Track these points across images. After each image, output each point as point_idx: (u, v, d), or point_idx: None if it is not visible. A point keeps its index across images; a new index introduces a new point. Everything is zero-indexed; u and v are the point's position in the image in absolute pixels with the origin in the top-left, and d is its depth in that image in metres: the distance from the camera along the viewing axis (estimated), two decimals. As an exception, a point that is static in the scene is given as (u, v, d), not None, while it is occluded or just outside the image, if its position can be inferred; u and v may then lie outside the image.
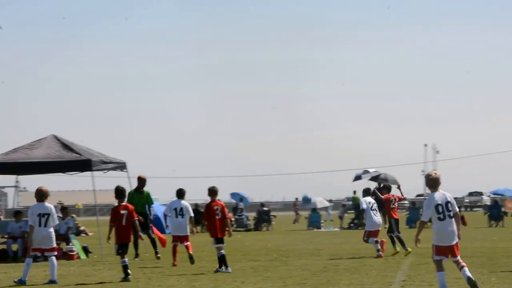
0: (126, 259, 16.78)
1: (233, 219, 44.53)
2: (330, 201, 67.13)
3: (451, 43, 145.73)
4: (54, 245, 16.68)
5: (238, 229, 43.73)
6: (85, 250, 24.67)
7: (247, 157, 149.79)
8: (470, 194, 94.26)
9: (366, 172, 44.71)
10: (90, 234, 41.01)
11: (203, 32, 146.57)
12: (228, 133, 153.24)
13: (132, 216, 16.95)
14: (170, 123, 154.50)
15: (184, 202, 20.59)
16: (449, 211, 13.05)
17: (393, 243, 22.65)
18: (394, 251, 22.32)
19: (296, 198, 65.00)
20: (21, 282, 16.51)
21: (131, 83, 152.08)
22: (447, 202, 13.08)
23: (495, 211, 45.41)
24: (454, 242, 13.08)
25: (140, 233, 18.55)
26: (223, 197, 79.37)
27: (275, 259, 21.96)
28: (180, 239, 20.30)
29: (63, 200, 55.40)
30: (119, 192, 17.23)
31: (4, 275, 18.80)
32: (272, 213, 46.99)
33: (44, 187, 16.90)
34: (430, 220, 13.56)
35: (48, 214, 16.54)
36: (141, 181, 23.53)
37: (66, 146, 24.50)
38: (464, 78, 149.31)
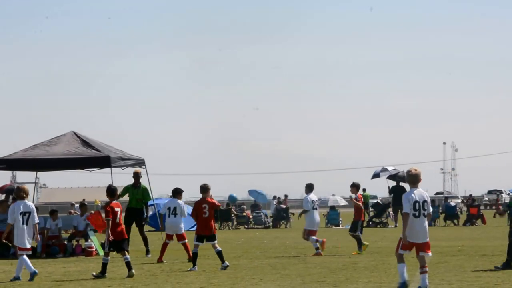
0: (108, 257, 16.97)
1: (251, 216, 44.54)
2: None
3: (469, 41, 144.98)
4: (28, 245, 16.66)
5: (256, 226, 43.71)
6: (104, 246, 24.69)
7: (264, 153, 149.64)
8: (489, 192, 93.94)
9: (384, 170, 44.65)
10: (109, 230, 41.13)
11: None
12: (245, 130, 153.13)
13: (121, 215, 17.27)
14: (188, 120, 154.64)
15: (180, 201, 20.73)
16: (424, 209, 13.38)
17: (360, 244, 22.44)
18: (359, 251, 22.18)
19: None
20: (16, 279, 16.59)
21: (151, 80, 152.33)
22: (424, 201, 13.42)
23: (515, 209, 45.08)
24: (425, 240, 13.39)
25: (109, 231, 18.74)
26: (242, 194, 79.28)
27: (293, 256, 21.92)
28: (174, 237, 20.44)
29: (82, 196, 55.58)
30: (111, 191, 17.34)
31: (23, 271, 18.84)
32: (290, 211, 46.87)
33: (25, 185, 17.04)
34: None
35: (30, 213, 16.62)
36: (136, 176, 23.47)
37: (85, 143, 24.58)
38: (483, 77, 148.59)
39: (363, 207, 22.92)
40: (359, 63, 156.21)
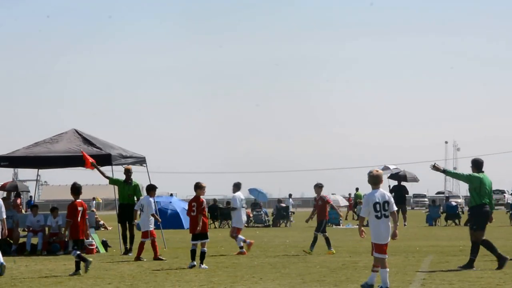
0: (79, 252, 16.99)
1: (251, 215, 44.47)
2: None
3: (473, 39, 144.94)
4: None
5: (257, 225, 43.68)
6: (104, 244, 24.72)
7: (265, 153, 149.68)
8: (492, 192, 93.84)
9: (386, 168, 44.54)
10: (109, 228, 41.18)
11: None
12: (247, 130, 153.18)
13: (85, 214, 17.29)
14: (189, 119, 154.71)
15: (151, 199, 20.85)
16: (385, 210, 13.45)
17: (328, 243, 22.39)
18: (330, 252, 22.16)
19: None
20: None
21: (151, 78, 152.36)
22: (385, 202, 13.47)
23: (517, 209, 45.00)
24: (387, 241, 13.49)
25: (88, 231, 18.77)
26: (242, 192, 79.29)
27: (293, 255, 21.90)
28: (142, 234, 20.51)
29: (82, 194, 55.48)
30: (75, 189, 17.41)
31: (25, 268, 18.88)
32: (291, 210, 46.83)
33: None
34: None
35: None
36: (127, 172, 23.51)
37: (87, 141, 24.61)
38: (485, 75, 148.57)
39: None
40: (359, 62, 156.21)
